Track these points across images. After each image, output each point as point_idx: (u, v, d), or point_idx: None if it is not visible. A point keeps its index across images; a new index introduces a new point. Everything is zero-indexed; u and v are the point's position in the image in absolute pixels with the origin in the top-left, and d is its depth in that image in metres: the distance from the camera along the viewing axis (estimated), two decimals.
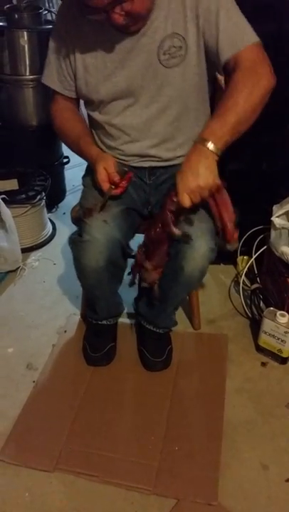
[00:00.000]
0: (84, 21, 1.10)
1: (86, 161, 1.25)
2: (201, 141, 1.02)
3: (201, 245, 1.11)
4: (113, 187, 1.17)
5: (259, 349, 1.47)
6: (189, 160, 1.03)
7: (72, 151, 1.30)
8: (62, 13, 1.19)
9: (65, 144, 1.34)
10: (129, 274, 1.25)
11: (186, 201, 1.02)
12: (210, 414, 1.29)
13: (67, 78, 1.21)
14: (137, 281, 1.25)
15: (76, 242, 1.18)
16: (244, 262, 1.78)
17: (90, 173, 1.29)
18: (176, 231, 1.08)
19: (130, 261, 1.25)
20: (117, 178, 1.15)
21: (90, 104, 1.24)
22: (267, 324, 1.40)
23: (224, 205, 1.07)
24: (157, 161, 1.25)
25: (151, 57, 1.11)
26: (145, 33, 1.08)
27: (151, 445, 1.20)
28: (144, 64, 1.11)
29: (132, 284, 1.24)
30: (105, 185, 1.16)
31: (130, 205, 1.26)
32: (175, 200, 1.04)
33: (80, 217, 1.20)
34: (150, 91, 1.15)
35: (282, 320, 1.37)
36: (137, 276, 1.23)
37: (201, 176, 1.00)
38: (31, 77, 2.01)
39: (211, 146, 1.01)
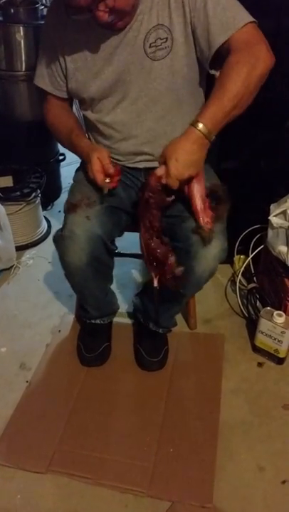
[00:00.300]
0: (71, 21, 1.09)
1: (78, 155, 1.22)
2: (194, 123, 0.98)
3: (214, 246, 1.10)
4: (108, 180, 1.14)
5: (255, 349, 1.45)
6: (179, 142, 1.00)
7: (65, 147, 1.29)
8: (50, 15, 1.19)
9: (58, 140, 1.32)
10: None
11: (160, 172, 1.03)
12: (206, 415, 1.27)
13: (58, 79, 1.21)
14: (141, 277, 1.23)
15: (58, 239, 1.17)
16: (241, 262, 1.76)
17: (82, 168, 1.27)
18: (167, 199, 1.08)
19: (129, 260, 1.22)
20: (111, 169, 1.12)
21: (82, 103, 1.23)
22: (263, 324, 1.38)
23: (198, 188, 1.06)
24: (152, 160, 1.23)
25: (137, 51, 1.09)
26: (131, 27, 1.07)
27: (146, 446, 1.19)
28: (131, 58, 1.10)
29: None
30: (99, 176, 1.12)
31: (116, 204, 1.23)
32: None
33: (64, 212, 1.18)
34: (138, 85, 1.13)
35: (279, 320, 1.35)
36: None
37: (185, 167, 1.00)
38: (27, 72, 1.98)
39: (203, 129, 0.98)
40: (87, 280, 1.23)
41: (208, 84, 1.22)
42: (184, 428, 1.24)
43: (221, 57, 1.03)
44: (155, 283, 1.11)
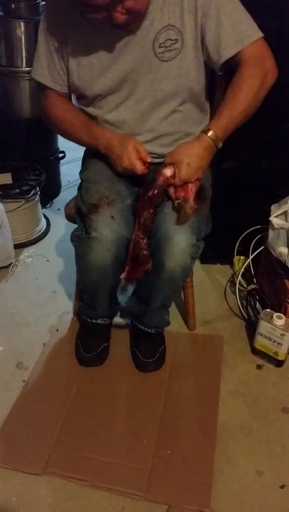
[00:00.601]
0: (76, 14, 1.06)
1: (100, 146, 1.17)
2: (207, 131, 1.07)
3: (180, 240, 1.09)
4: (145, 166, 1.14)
5: (255, 351, 1.44)
6: (192, 147, 1.08)
7: (75, 140, 1.23)
8: (52, 5, 1.15)
9: (66, 134, 1.24)
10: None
11: (167, 172, 1.10)
12: (204, 417, 1.26)
13: (60, 73, 1.17)
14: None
15: (82, 239, 1.15)
16: (240, 262, 1.75)
17: (90, 167, 1.26)
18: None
19: None
20: (148, 156, 1.13)
21: (83, 98, 1.21)
22: (263, 326, 1.37)
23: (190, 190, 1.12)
24: (152, 157, 1.21)
25: (146, 51, 1.08)
26: (140, 26, 1.05)
27: (143, 449, 1.17)
28: (139, 57, 1.08)
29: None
30: (139, 164, 1.11)
31: (133, 196, 1.22)
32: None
33: (85, 213, 1.16)
34: (145, 85, 1.12)
35: (279, 322, 1.34)
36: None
37: (194, 172, 1.09)
38: (28, 69, 1.96)
39: (214, 137, 1.07)
40: (105, 280, 1.22)
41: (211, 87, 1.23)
42: (181, 430, 1.22)
43: (227, 62, 1.09)
44: (123, 275, 1.16)
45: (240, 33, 1.05)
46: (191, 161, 1.07)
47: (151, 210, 1.13)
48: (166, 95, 1.13)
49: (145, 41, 1.07)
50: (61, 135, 1.29)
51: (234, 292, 1.68)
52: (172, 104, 1.15)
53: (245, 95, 1.05)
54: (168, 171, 1.10)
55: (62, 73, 1.17)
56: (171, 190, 1.13)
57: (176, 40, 1.06)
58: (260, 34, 1.06)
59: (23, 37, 1.90)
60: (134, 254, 1.14)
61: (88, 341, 1.40)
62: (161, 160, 1.22)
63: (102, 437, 1.20)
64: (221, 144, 1.10)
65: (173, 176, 1.10)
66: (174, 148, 1.12)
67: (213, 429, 1.22)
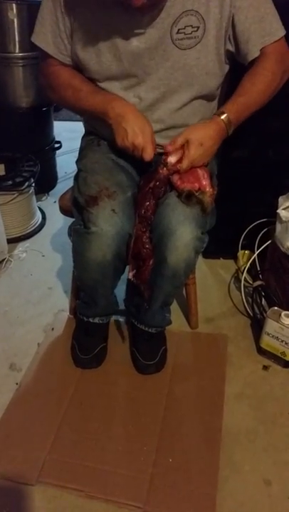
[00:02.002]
0: None
1: (105, 112, 1.04)
2: (221, 113, 1.03)
3: (183, 233, 1.02)
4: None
5: (261, 351, 1.37)
6: (205, 128, 1.03)
7: (83, 106, 1.08)
8: None
9: (70, 101, 1.10)
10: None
11: (179, 141, 1.03)
12: (207, 422, 1.19)
13: (65, 42, 1.06)
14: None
15: (81, 234, 1.07)
16: (245, 257, 1.67)
17: (88, 155, 1.17)
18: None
19: None
20: (154, 141, 1.04)
21: (86, 72, 1.09)
22: (270, 325, 1.30)
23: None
24: (157, 147, 1.13)
25: (163, 35, 0.99)
26: (159, 7, 0.96)
27: (143, 456, 1.10)
28: (155, 41, 0.99)
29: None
30: (151, 149, 1.01)
31: (135, 188, 1.14)
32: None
33: (83, 205, 1.07)
34: (158, 72, 1.03)
35: (287, 321, 1.26)
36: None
37: (204, 154, 1.04)
38: (21, 54, 1.88)
39: (228, 122, 1.03)
40: (105, 277, 1.14)
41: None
42: (184, 436, 1.15)
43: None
44: (130, 275, 1.07)
45: (267, 29, 1.01)
46: (204, 141, 1.02)
47: (153, 202, 1.06)
48: (181, 86, 1.05)
49: (163, 24, 0.98)
50: (65, 105, 1.15)
51: (239, 288, 1.61)
52: (185, 96, 1.07)
53: (264, 88, 1.04)
54: (173, 158, 1.03)
55: (67, 42, 1.06)
56: (176, 178, 1.05)
57: (198, 27, 0.98)
58: (283, 30, 1.04)
59: (15, 20, 1.80)
60: (137, 249, 1.06)
61: (85, 342, 1.32)
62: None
63: (99, 444, 1.13)
64: (232, 130, 1.05)
65: (179, 161, 1.03)
66: (188, 126, 1.05)
67: (217, 435, 1.16)
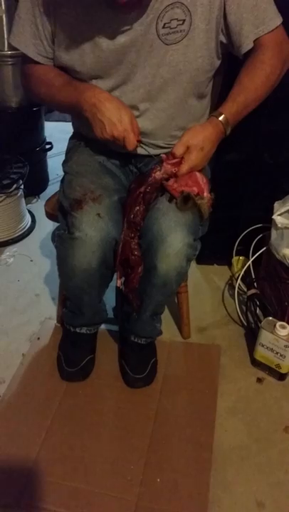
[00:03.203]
0: None
1: (79, 105, 0.97)
2: (219, 115, 0.98)
3: (174, 240, 0.96)
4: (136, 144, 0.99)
5: (255, 363, 1.31)
6: (204, 130, 0.98)
7: (57, 102, 1.03)
8: None
9: (46, 98, 1.05)
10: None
11: (179, 151, 0.97)
12: (198, 439, 1.13)
13: (44, 43, 1.01)
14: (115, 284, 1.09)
15: (64, 239, 1.01)
16: (240, 263, 1.62)
17: (74, 157, 1.11)
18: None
19: None
20: (140, 134, 1.00)
21: (72, 73, 1.03)
22: (265, 336, 1.24)
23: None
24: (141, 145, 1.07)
25: (148, 30, 0.93)
26: (146, 2, 0.90)
27: (130, 476, 1.05)
28: (140, 37, 0.94)
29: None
30: (133, 137, 0.96)
31: (123, 193, 1.08)
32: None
33: (67, 210, 1.02)
34: (144, 70, 0.98)
35: (283, 332, 1.21)
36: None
37: (204, 159, 0.99)
38: (10, 52, 1.82)
39: (226, 123, 0.99)
40: (91, 285, 1.08)
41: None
42: (173, 454, 1.10)
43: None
44: (118, 283, 1.04)
45: (261, 18, 0.95)
46: (205, 145, 0.97)
47: (143, 207, 1.01)
48: (167, 84, 0.99)
49: (148, 19, 0.92)
50: (43, 102, 1.13)
51: (233, 296, 1.55)
52: (172, 95, 1.01)
53: (263, 83, 0.98)
54: (170, 161, 0.98)
55: (47, 44, 1.01)
56: (171, 181, 0.99)
57: (183, 20, 0.92)
58: (280, 19, 0.97)
59: (4, 16, 1.74)
60: (124, 256, 1.01)
61: (71, 353, 1.26)
62: (156, 152, 1.09)
63: (83, 462, 1.07)
64: (229, 131, 1.00)
65: (175, 165, 0.98)
66: (186, 130, 0.98)
67: (208, 453, 1.10)
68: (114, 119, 0.94)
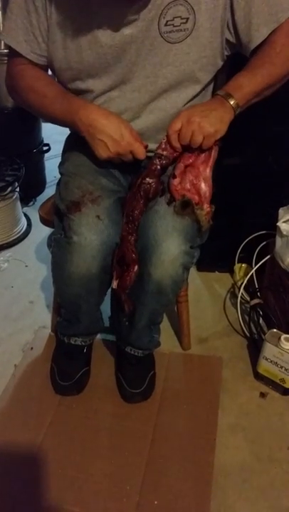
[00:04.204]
0: None
1: (73, 124, 0.93)
2: (226, 96, 0.90)
3: (170, 245, 0.91)
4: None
5: (258, 376, 1.25)
6: (208, 103, 0.92)
7: (49, 114, 0.97)
8: None
9: (35, 107, 0.99)
10: None
11: (176, 125, 0.89)
12: (198, 458, 1.07)
13: (38, 39, 0.94)
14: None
15: (61, 244, 0.95)
16: (242, 271, 1.56)
17: (71, 158, 1.06)
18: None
19: None
20: (139, 137, 0.94)
21: (69, 74, 0.98)
22: (268, 349, 1.18)
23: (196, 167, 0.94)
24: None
25: (150, 27, 0.88)
26: None
27: (125, 498, 0.99)
28: (141, 34, 0.89)
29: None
30: (141, 147, 0.92)
31: (122, 193, 1.03)
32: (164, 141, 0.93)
33: (64, 212, 0.96)
34: (145, 69, 0.93)
35: (287, 346, 1.15)
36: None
37: (209, 118, 0.87)
38: (6, 51, 1.75)
39: (233, 102, 0.90)
40: (89, 293, 1.02)
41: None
42: (171, 474, 1.04)
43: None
44: (114, 284, 0.98)
45: (274, 8, 0.89)
46: (207, 113, 0.87)
47: (142, 203, 0.95)
48: (170, 84, 0.94)
49: (149, 15, 0.87)
50: (31, 110, 1.03)
51: (235, 305, 1.50)
52: (174, 96, 0.97)
53: (271, 61, 0.91)
54: (166, 149, 0.93)
55: (41, 40, 0.95)
56: (175, 182, 0.94)
57: (187, 19, 0.88)
58: None
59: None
60: (122, 253, 0.95)
61: (65, 366, 1.20)
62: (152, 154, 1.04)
63: (76, 483, 1.01)
64: (237, 113, 0.92)
65: (173, 153, 0.93)
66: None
67: (209, 473, 1.04)
68: (116, 136, 0.90)
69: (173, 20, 0.88)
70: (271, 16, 0.89)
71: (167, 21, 0.88)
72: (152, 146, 1.02)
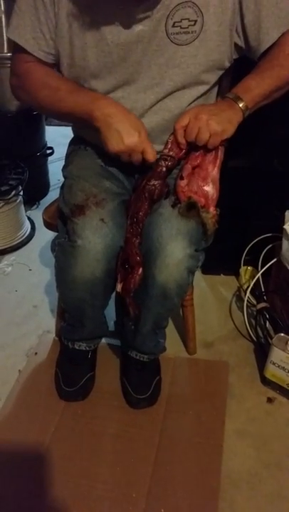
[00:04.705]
0: None
1: (88, 115, 0.90)
2: (235, 98, 0.90)
3: (175, 249, 0.90)
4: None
5: (265, 381, 1.23)
6: (217, 104, 0.94)
7: (61, 108, 0.94)
8: None
9: (46, 102, 0.96)
10: None
11: (184, 121, 0.89)
12: (205, 465, 1.05)
13: (46, 36, 0.93)
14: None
15: (65, 248, 0.94)
16: (248, 274, 1.54)
17: (75, 161, 1.05)
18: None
19: None
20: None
21: (71, 69, 0.96)
22: (276, 354, 1.16)
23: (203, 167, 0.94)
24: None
25: (157, 28, 0.87)
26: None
27: (131, 505, 0.97)
28: (148, 35, 0.88)
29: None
30: (150, 147, 0.90)
31: (126, 196, 1.02)
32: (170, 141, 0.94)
33: (68, 216, 0.95)
34: (151, 70, 0.92)
35: None
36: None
37: (217, 116, 0.87)
38: (9, 55, 1.74)
39: (242, 105, 0.90)
40: (94, 297, 1.01)
41: None
42: (178, 482, 1.02)
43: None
44: (118, 287, 0.95)
45: (283, 11, 0.89)
46: (216, 112, 0.88)
47: (146, 205, 0.94)
48: (177, 86, 0.94)
49: (157, 15, 0.86)
50: (40, 108, 1.01)
51: (241, 308, 1.48)
52: (179, 97, 0.96)
53: (280, 63, 0.90)
54: (173, 149, 0.93)
55: (49, 37, 0.93)
56: (182, 183, 0.93)
57: (195, 21, 0.87)
58: None
59: (3, 16, 1.69)
60: (126, 255, 0.94)
61: (70, 371, 1.19)
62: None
63: (81, 489, 1.00)
64: (246, 116, 0.92)
65: (180, 153, 0.93)
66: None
67: (216, 480, 1.02)
68: (132, 130, 0.88)
69: (181, 21, 0.87)
70: (281, 19, 0.89)
71: (175, 22, 0.88)
72: (157, 147, 1.01)
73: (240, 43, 0.93)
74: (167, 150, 0.94)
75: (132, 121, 0.89)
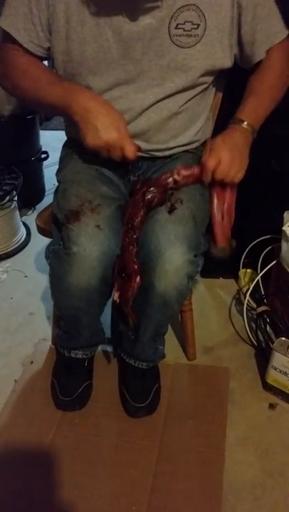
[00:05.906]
0: None
1: (68, 106, 0.87)
2: (247, 126, 0.95)
3: (173, 255, 0.87)
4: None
5: (267, 387, 1.21)
6: (234, 136, 0.94)
7: (41, 98, 0.92)
8: None
9: (26, 91, 0.94)
10: None
11: (212, 164, 0.89)
12: (206, 475, 1.02)
13: (37, 28, 0.90)
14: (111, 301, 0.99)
15: (60, 255, 0.92)
16: (247, 276, 1.52)
17: (69, 165, 1.03)
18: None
19: None
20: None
21: (70, 68, 0.94)
22: (277, 359, 1.14)
23: (228, 202, 0.99)
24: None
25: (160, 27, 0.86)
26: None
27: None
28: (150, 33, 0.86)
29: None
30: (130, 144, 0.88)
31: (122, 201, 1.00)
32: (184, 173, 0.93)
33: (62, 222, 0.93)
34: (152, 71, 0.90)
35: None
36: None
37: (236, 165, 0.92)
38: None
39: (252, 130, 0.96)
40: (89, 305, 0.99)
41: None
42: (179, 493, 0.99)
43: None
44: (116, 296, 0.93)
45: (272, 28, 0.94)
46: (242, 158, 0.94)
47: (143, 212, 0.92)
48: (177, 89, 0.92)
49: (160, 14, 0.85)
50: (21, 96, 0.97)
51: (240, 312, 1.45)
52: (179, 102, 0.95)
53: (273, 83, 0.97)
54: (186, 171, 0.94)
55: (40, 29, 0.90)
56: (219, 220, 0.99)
57: (198, 25, 0.87)
58: (287, 29, 0.96)
59: None
60: (123, 263, 0.91)
61: (67, 381, 1.16)
62: (152, 155, 1.03)
63: (79, 502, 0.97)
64: (251, 130, 0.97)
65: (191, 177, 0.94)
66: (218, 138, 0.94)
67: (218, 491, 0.99)
68: (110, 125, 0.86)
69: (184, 24, 0.87)
70: (270, 35, 0.94)
71: (178, 24, 0.87)
72: (154, 146, 1.00)
73: (235, 51, 0.95)
74: (177, 176, 0.93)
75: (112, 116, 0.86)
